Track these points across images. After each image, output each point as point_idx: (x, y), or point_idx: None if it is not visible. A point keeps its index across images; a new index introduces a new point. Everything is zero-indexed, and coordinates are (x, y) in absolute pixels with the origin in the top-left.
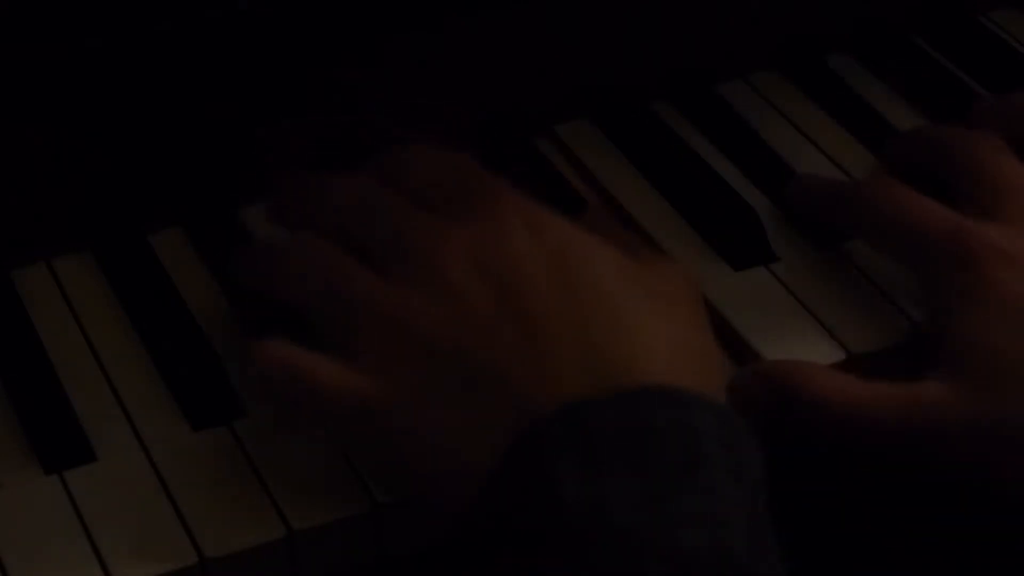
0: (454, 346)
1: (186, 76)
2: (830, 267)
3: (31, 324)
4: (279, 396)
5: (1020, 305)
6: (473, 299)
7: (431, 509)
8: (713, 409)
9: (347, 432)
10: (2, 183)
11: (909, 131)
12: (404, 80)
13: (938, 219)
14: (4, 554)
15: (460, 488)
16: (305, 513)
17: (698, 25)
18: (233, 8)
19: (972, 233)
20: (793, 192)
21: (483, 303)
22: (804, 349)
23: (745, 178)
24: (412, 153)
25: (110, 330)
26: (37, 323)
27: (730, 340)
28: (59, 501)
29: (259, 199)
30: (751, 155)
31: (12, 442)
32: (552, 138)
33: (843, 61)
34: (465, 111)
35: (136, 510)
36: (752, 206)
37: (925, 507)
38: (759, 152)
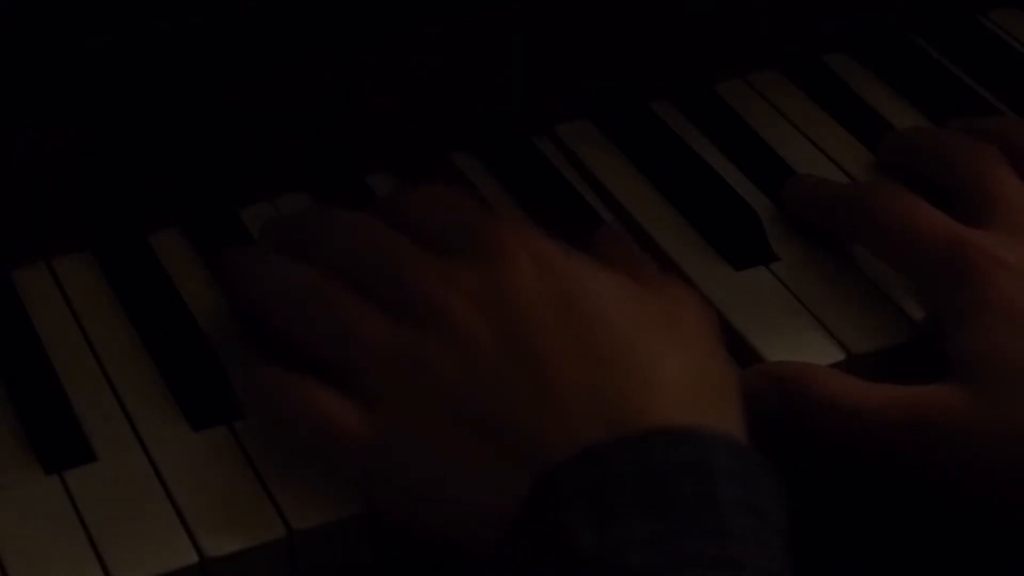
0: (466, 391)
1: (187, 76)
2: (830, 267)
3: (31, 324)
4: (293, 433)
5: (1021, 314)
6: (482, 343)
7: (442, 552)
8: (729, 446)
9: (360, 474)
10: (2, 183)
11: (903, 131)
12: (404, 80)
13: (937, 228)
14: (4, 554)
15: (474, 533)
16: (305, 513)
17: (698, 25)
18: (233, 8)
19: (971, 242)
20: (790, 194)
21: (492, 347)
22: (804, 349)
23: (745, 178)
24: (416, 193)
25: (110, 330)
26: (37, 323)
27: (730, 340)
28: (59, 501)
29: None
30: (751, 155)
31: (12, 442)
32: (552, 138)
33: (843, 61)
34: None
35: (136, 510)
36: (752, 206)
37: (930, 513)
38: (759, 152)
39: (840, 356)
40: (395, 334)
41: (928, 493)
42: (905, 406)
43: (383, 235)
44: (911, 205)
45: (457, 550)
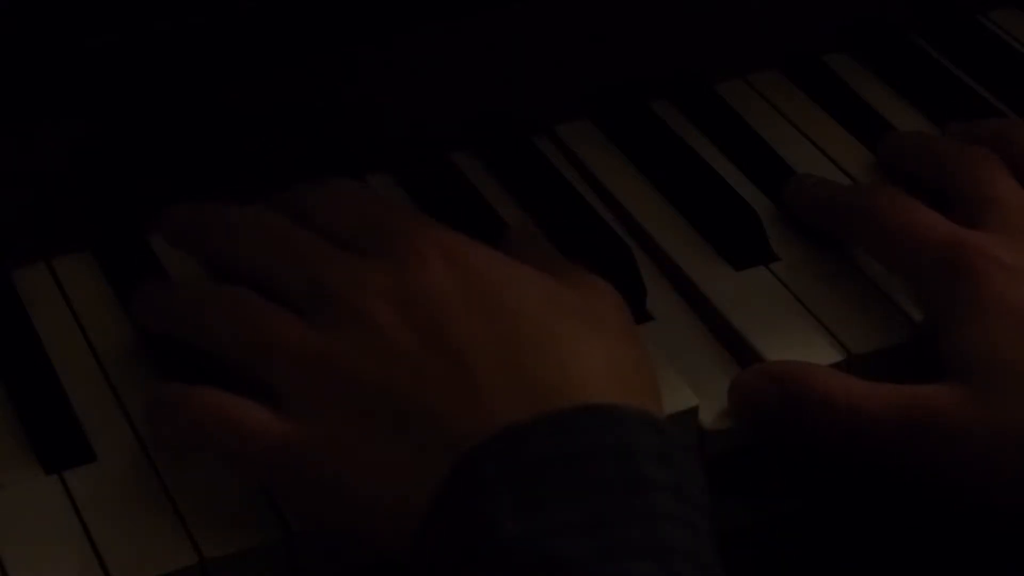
0: (382, 385)
1: (187, 76)
2: (830, 267)
3: (31, 324)
4: (206, 444)
5: (1018, 314)
6: (397, 337)
7: (369, 551)
8: (652, 426)
9: (279, 479)
10: (2, 183)
11: (901, 135)
12: (404, 80)
13: (935, 229)
14: (4, 554)
15: (398, 529)
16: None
17: (698, 25)
18: (233, 8)
19: (969, 243)
20: (790, 194)
21: (407, 340)
22: (804, 349)
23: (745, 178)
24: (323, 188)
25: (110, 330)
26: (37, 323)
27: (730, 340)
28: (59, 501)
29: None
30: (751, 155)
31: (12, 442)
32: (552, 138)
33: (843, 61)
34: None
35: (136, 510)
36: (752, 206)
37: (929, 513)
38: (759, 152)
39: (840, 356)
40: (306, 333)
41: (926, 493)
42: (903, 406)
43: (293, 232)
44: (910, 207)
45: (376, 548)
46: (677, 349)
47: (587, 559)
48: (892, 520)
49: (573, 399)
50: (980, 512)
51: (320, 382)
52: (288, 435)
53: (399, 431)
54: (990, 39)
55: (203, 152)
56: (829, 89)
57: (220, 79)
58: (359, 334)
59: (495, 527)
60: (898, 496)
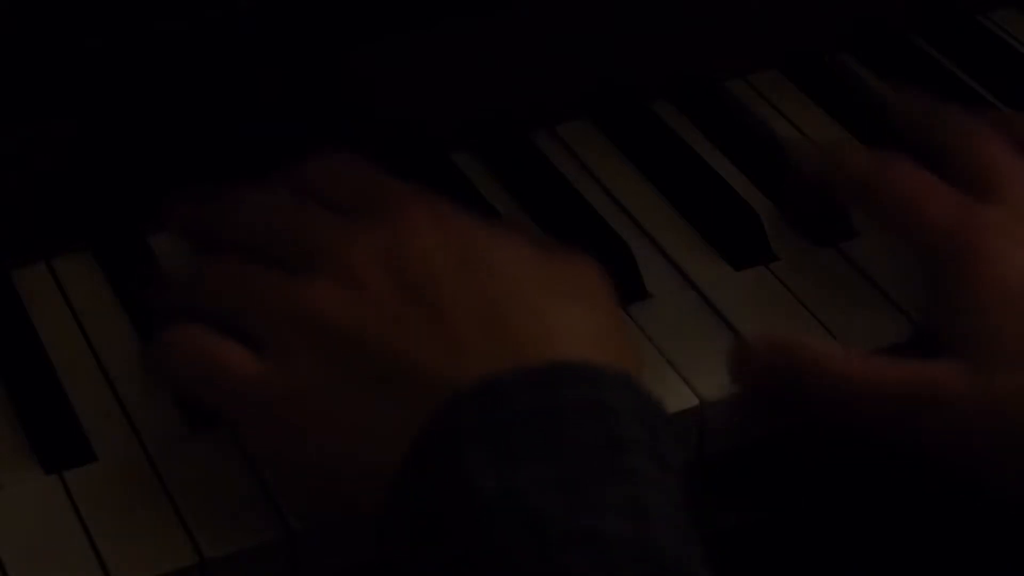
0: (364, 337)
1: (187, 75)
2: (830, 267)
3: (31, 324)
4: (191, 383)
5: None
6: (381, 292)
7: (346, 508)
8: (630, 387)
9: (257, 425)
10: (3, 183)
11: (906, 105)
12: (404, 80)
13: (947, 202)
14: (4, 554)
15: (374, 482)
16: (305, 513)
17: (698, 25)
18: (232, 8)
19: (979, 217)
20: (795, 171)
21: (390, 295)
22: None
23: (745, 178)
24: (319, 163)
25: (110, 330)
26: (37, 323)
27: (730, 340)
28: (59, 501)
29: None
30: (751, 155)
31: (12, 442)
32: (552, 138)
33: (843, 61)
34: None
35: (136, 510)
36: (752, 206)
37: (924, 496)
38: (759, 152)
39: None
40: (292, 286)
41: (922, 468)
42: (905, 379)
43: (286, 201)
44: (921, 178)
45: (342, 504)
46: (677, 347)
47: (561, 515)
48: (891, 519)
49: (552, 356)
50: (968, 487)
51: (300, 332)
52: (265, 377)
53: (376, 383)
54: (990, 39)
55: (203, 152)
56: (829, 89)
57: (220, 79)
58: (342, 288)
59: (469, 480)
60: (894, 472)
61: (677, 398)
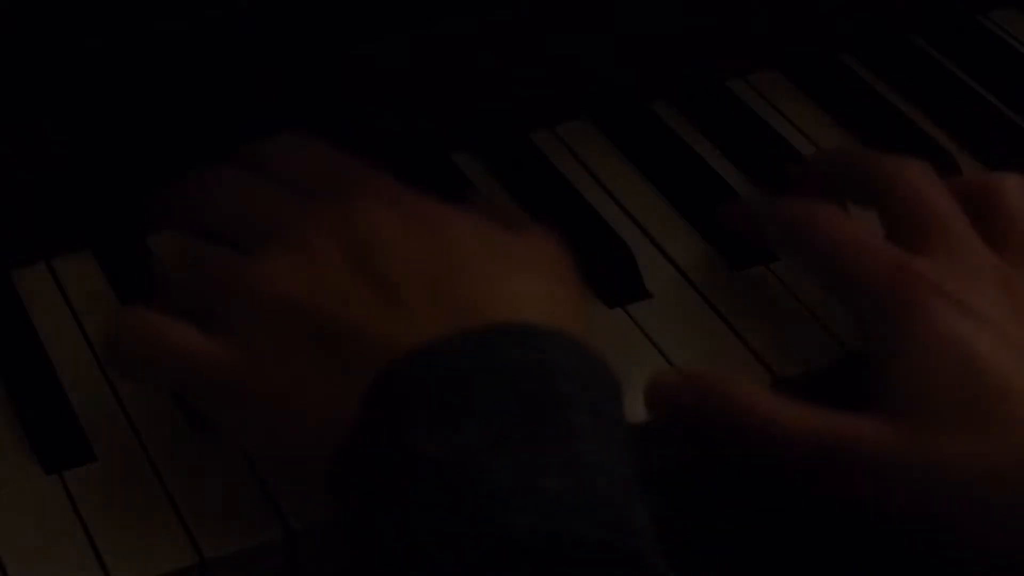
0: (307, 305)
1: (187, 76)
2: None
3: (31, 324)
4: (146, 364)
5: (959, 348)
6: (329, 265)
7: (308, 478)
8: (567, 345)
9: (212, 401)
10: (3, 183)
11: (829, 150)
12: (404, 80)
13: (878, 254)
14: (4, 554)
15: (320, 450)
16: (304, 513)
17: (698, 25)
18: (232, 9)
19: (914, 272)
20: (724, 217)
21: (337, 264)
22: (804, 349)
23: (745, 178)
24: (276, 144)
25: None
26: (37, 323)
27: (730, 340)
28: (59, 501)
29: None
30: (751, 155)
31: (12, 442)
32: (553, 138)
33: (843, 61)
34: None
35: (136, 510)
36: None
37: (846, 544)
38: (759, 152)
39: (839, 354)
40: (242, 262)
41: (843, 520)
42: (821, 430)
43: (245, 182)
44: (851, 228)
45: (297, 475)
46: (677, 347)
47: (501, 475)
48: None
49: (496, 320)
50: (892, 537)
51: (253, 305)
52: (213, 352)
53: (329, 354)
54: (990, 39)
55: (202, 152)
56: (829, 89)
57: (220, 79)
58: (289, 259)
59: (409, 445)
60: (813, 526)
61: None
